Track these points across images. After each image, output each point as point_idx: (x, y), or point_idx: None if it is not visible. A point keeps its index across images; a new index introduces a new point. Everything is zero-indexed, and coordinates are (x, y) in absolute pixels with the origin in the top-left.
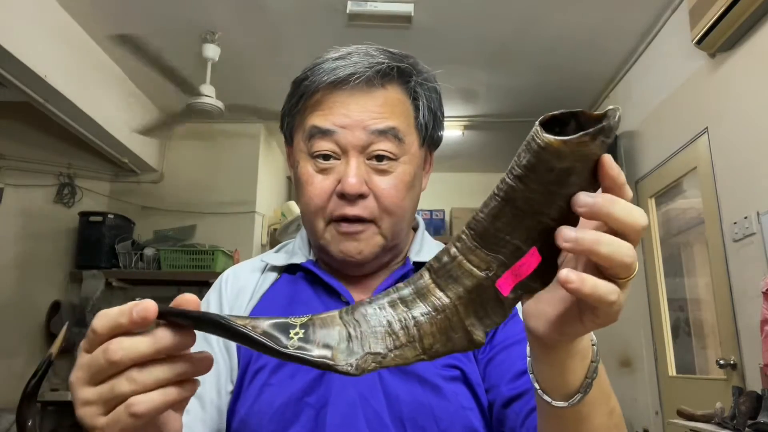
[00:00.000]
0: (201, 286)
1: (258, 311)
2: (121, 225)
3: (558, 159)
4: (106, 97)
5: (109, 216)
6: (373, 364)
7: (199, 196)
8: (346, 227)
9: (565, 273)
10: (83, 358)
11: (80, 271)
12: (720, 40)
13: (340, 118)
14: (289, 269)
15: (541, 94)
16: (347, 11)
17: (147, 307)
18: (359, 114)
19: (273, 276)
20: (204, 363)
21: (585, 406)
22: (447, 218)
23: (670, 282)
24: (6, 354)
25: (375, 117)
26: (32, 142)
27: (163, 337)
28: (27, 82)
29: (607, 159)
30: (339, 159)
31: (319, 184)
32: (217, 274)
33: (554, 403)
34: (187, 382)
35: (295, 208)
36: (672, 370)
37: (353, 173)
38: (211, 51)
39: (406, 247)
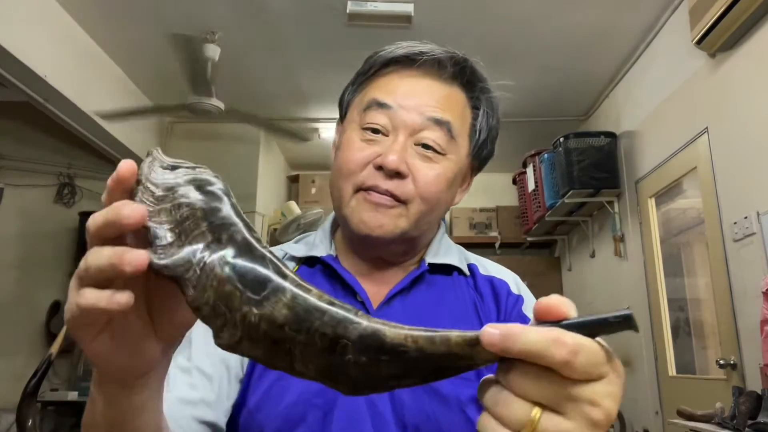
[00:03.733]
0: None
1: None
2: None
3: None
4: (106, 97)
5: None
6: None
7: None
8: (376, 197)
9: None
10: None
11: None
12: (720, 40)
13: (401, 97)
14: (308, 261)
15: (541, 94)
16: (347, 11)
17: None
18: (421, 98)
19: (291, 266)
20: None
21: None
22: (447, 218)
23: (670, 282)
24: (6, 354)
25: (434, 106)
26: (32, 142)
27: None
28: (27, 82)
29: None
30: (387, 136)
31: (358, 152)
32: None
33: None
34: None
35: (295, 208)
36: (672, 370)
37: (397, 149)
38: (211, 51)
39: (425, 249)
